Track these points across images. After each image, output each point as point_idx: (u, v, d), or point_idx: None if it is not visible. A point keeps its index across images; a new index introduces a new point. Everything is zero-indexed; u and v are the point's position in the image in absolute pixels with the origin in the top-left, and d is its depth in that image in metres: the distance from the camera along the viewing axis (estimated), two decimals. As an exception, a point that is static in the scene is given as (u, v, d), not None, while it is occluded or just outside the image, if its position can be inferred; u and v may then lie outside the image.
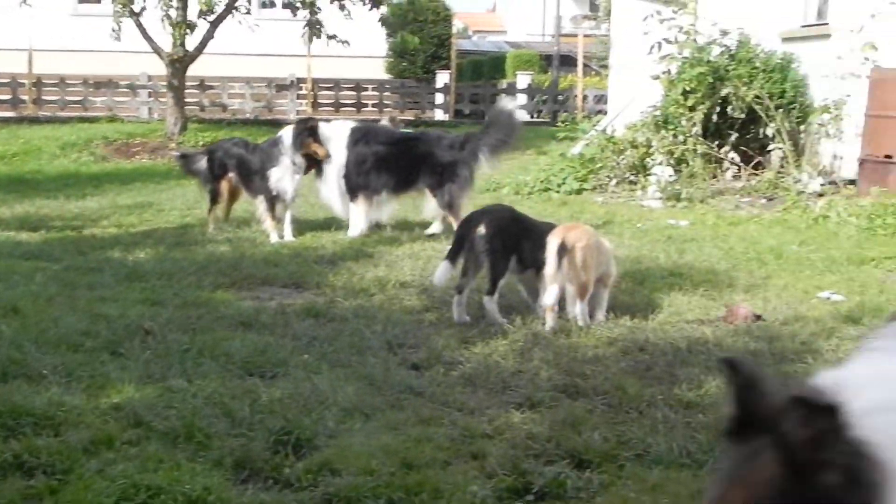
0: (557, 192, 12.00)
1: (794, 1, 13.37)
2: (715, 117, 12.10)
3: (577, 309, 5.86)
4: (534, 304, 6.12)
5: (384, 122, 13.62)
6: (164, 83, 19.00)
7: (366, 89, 25.71)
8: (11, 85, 23.42)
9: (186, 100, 19.47)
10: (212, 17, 17.70)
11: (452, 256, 6.16)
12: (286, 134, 9.13)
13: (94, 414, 4.21)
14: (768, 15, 13.04)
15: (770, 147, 11.97)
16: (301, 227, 9.44)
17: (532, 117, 26.10)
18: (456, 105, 25.53)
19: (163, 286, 6.77)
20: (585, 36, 27.05)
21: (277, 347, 5.25)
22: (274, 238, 8.82)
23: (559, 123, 15.99)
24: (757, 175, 11.90)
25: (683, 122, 12.05)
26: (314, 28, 17.99)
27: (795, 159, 11.60)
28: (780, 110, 11.84)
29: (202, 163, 9.38)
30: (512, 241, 6.02)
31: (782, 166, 11.75)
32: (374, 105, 25.24)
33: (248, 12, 18.39)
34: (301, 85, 24.77)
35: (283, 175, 9.01)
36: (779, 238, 8.92)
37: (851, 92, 11.04)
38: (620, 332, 5.71)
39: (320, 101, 25.12)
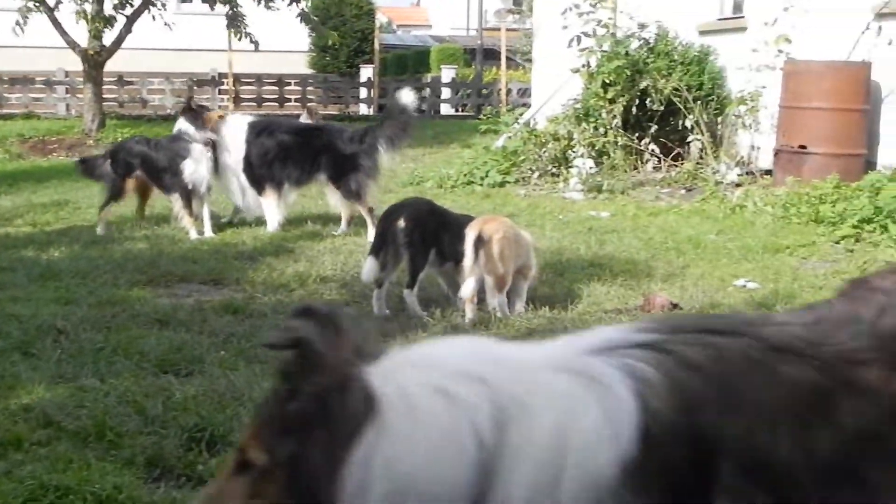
0: (481, 185, 12.02)
1: (711, -6, 13.58)
2: (635, 110, 12.23)
3: (495, 301, 5.88)
4: (454, 297, 6.13)
5: (304, 116, 13.56)
6: (82, 79, 18.65)
7: (288, 84, 25.53)
8: (-78, 82, 22.86)
9: (104, 96, 19.16)
10: (128, 12, 17.40)
11: (376, 251, 6.13)
12: (184, 124, 9.00)
13: (2, 415, 4.11)
14: (686, 8, 13.22)
15: (689, 138, 12.12)
16: (220, 223, 9.34)
17: (457, 111, 26.18)
18: (380, 99, 25.46)
19: (77, 285, 6.64)
20: (509, 30, 27.13)
21: (194, 344, 5.17)
22: (193, 235, 8.70)
23: (482, 117, 16.03)
24: (676, 166, 12.06)
25: (604, 115, 12.16)
26: (235, 23, 17.77)
27: (714, 150, 11.78)
28: (699, 102, 12.01)
29: (105, 166, 9.12)
30: (431, 234, 6.02)
31: (701, 157, 11.92)
32: (296, 100, 25.07)
33: (164, 7, 18.06)
34: (223, 80, 24.50)
35: (198, 166, 8.90)
36: (697, 228, 9.04)
37: (767, 84, 11.23)
38: (539, 323, 5.73)
39: (242, 96, 24.88)
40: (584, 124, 12.31)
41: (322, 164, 9.17)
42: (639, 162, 12.36)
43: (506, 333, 5.52)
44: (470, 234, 5.81)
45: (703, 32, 13.44)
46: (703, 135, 11.81)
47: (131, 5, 17.44)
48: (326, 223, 9.31)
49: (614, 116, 12.10)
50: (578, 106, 12.71)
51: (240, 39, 18.12)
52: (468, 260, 5.78)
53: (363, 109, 25.40)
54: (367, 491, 1.60)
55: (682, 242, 8.27)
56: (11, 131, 18.11)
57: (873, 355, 1.78)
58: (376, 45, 27.36)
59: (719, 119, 12.25)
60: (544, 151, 12.43)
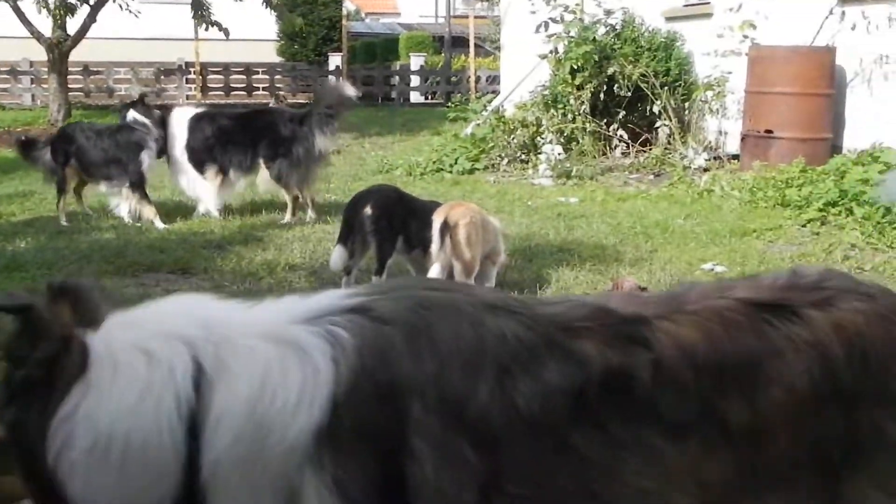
0: (450, 172, 12.02)
1: (677, -20, 13.62)
2: (602, 96, 12.25)
3: (464, 286, 5.89)
4: (423, 283, 6.12)
5: (272, 103, 13.51)
6: (46, 69, 18.48)
7: (256, 73, 25.40)
8: None
9: (70, 85, 18.99)
10: (93, 1, 17.24)
11: (344, 239, 6.13)
12: (137, 115, 8.96)
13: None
14: (652, -6, 13.26)
15: (657, 124, 12.16)
16: (188, 211, 9.30)
17: (426, 99, 26.14)
18: (349, 88, 25.36)
19: (44, 275, 6.57)
20: (477, 17, 27.09)
21: (161, 333, 5.13)
22: (159, 224, 8.65)
23: (451, 105, 16.02)
24: (645, 152, 12.11)
25: (572, 101, 12.18)
26: (200, 12, 17.65)
27: (681, 135, 11.84)
28: (666, 88, 12.06)
29: (46, 154, 8.97)
30: (398, 221, 6.02)
31: (669, 143, 11.97)
32: (265, 89, 24.94)
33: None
34: (190, 69, 24.34)
35: (152, 159, 8.91)
36: (665, 212, 9.09)
37: (733, 69, 11.30)
38: (508, 308, 5.73)
39: (210, 85, 24.73)
40: (552, 111, 12.33)
41: (261, 147, 9.20)
42: (607, 148, 12.39)
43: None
44: (437, 220, 5.82)
45: (669, 18, 13.49)
46: (670, 120, 11.87)
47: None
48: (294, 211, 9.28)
49: (582, 103, 12.12)
50: (547, 92, 12.72)
51: (206, 29, 18.02)
52: (435, 246, 5.80)
53: (332, 98, 25.30)
54: (72, 444, 1.68)
55: (651, 227, 8.32)
56: (-24, 122, 17.92)
57: (589, 325, 1.86)
58: (344, 34, 27.25)
59: (686, 105, 12.30)
60: (513, 138, 12.44)
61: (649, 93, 11.90)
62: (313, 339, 1.74)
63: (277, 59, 28.74)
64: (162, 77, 24.31)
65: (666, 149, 11.90)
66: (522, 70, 14.17)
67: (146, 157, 8.85)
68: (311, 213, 9.06)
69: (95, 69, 23.50)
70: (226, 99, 23.74)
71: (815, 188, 8.98)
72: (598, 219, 8.80)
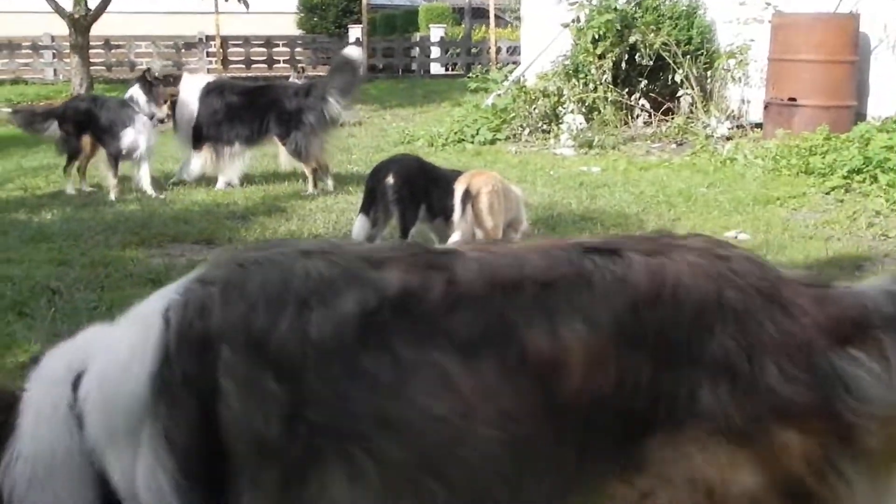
0: (471, 143, 12.01)
1: (700, -53, 13.48)
2: (624, 65, 12.19)
3: (487, 255, 5.89)
4: (446, 252, 6.14)
5: (293, 77, 13.53)
6: (68, 43, 18.53)
7: (277, 45, 25.37)
8: None
9: (92, 60, 19.02)
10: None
11: (366, 209, 6.16)
12: (136, 93, 9.02)
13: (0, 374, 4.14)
14: (674, -38, 13.14)
15: (679, 93, 12.11)
16: (210, 182, 9.35)
17: (446, 70, 26.07)
18: (369, 60, 25.33)
19: (70, 246, 6.66)
20: (497, -12, 26.95)
21: (188, 302, 5.18)
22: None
23: (471, 76, 15.98)
24: (667, 121, 12.05)
25: (593, 71, 12.13)
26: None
27: (704, 104, 11.78)
28: (688, 57, 11.98)
29: (54, 126, 9.08)
30: (420, 190, 6.04)
31: (691, 111, 11.91)
32: (285, 61, 24.92)
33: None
34: (210, 43, 24.35)
35: (137, 136, 8.91)
36: (688, 181, 9.06)
37: (755, 37, 11.21)
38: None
39: (230, 58, 24.73)
40: (573, 80, 12.28)
41: (271, 123, 9.29)
42: (629, 117, 12.34)
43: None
44: (458, 189, 5.84)
45: (691, -14, 13.37)
46: (692, 89, 11.81)
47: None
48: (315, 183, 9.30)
49: (604, 72, 12.07)
50: (568, 62, 12.66)
51: (226, 1, 18.01)
52: (457, 214, 5.81)
53: (352, 70, 25.25)
54: (15, 481, 1.96)
55: (673, 196, 8.30)
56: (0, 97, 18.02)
57: (394, 255, 1.93)
58: (364, 5, 27.15)
59: (709, 73, 12.22)
60: (534, 108, 12.40)
61: (671, 61, 11.83)
62: (156, 306, 1.95)
63: (297, 32, 28.69)
64: (182, 50, 24.32)
65: (688, 118, 11.85)
66: (543, 40, 14.09)
67: (128, 135, 8.90)
68: (330, 182, 9.10)
69: (117, 43, 23.55)
70: (246, 72, 23.74)
71: (839, 156, 8.92)
72: (620, 188, 8.78)
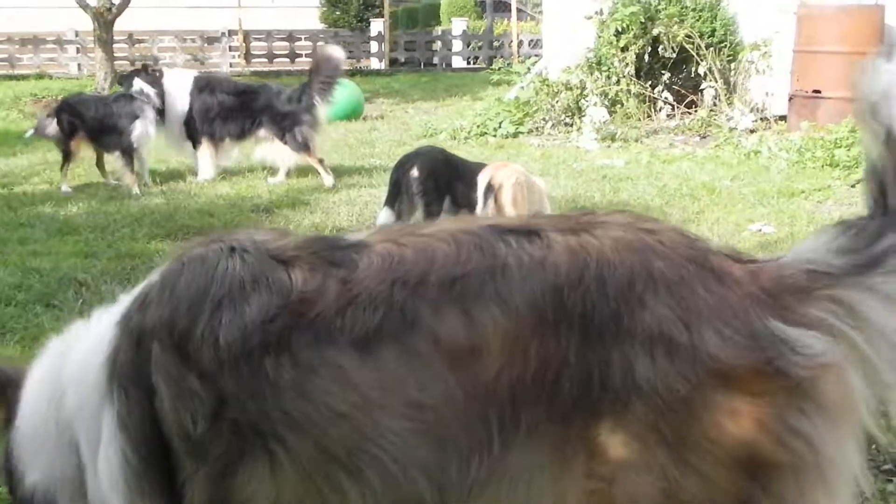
0: (494, 136, 12.01)
1: (724, -61, 13.41)
2: (647, 57, 12.16)
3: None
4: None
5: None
6: (93, 38, 18.63)
7: (299, 39, 25.39)
8: (-66, 44, 22.83)
9: (116, 54, 19.11)
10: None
11: (391, 201, 6.18)
12: (143, 85, 9.13)
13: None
14: (698, -46, 13.08)
15: (702, 86, 12.05)
16: (234, 174, 9.40)
17: (468, 63, 26.03)
18: (391, 53, 25.35)
19: (96, 239, 6.71)
20: (519, -19, 26.91)
21: (213, 294, 5.21)
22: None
23: (493, 69, 15.96)
24: (690, 114, 12.01)
25: (616, 63, 12.10)
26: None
27: (727, 97, 11.73)
28: (711, 49, 11.94)
29: (53, 125, 9.11)
30: (445, 182, 6.05)
31: (715, 104, 11.87)
32: (307, 55, 24.92)
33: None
34: (233, 37, 24.41)
35: (147, 127, 9.01)
36: (712, 174, 9.03)
37: (780, 29, 11.15)
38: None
39: (253, 52, 24.78)
40: (596, 73, 12.25)
41: (263, 123, 9.44)
42: (652, 110, 12.31)
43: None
44: (482, 181, 5.85)
45: (715, -22, 13.31)
46: (716, 81, 11.76)
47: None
48: (340, 175, 9.32)
49: (627, 65, 12.04)
50: (591, 55, 12.63)
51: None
52: (480, 206, 5.83)
53: (374, 64, 25.27)
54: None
55: (697, 189, 8.27)
56: (24, 91, 18.09)
57: (299, 253, 1.97)
58: (386, -1, 27.19)
59: (732, 65, 12.16)
60: (557, 101, 12.38)
61: (694, 54, 11.79)
62: (121, 304, 2.11)
63: (320, 26, 28.72)
64: (205, 45, 24.39)
65: (711, 110, 11.80)
66: (565, 33, 14.06)
67: (138, 126, 8.96)
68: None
69: (140, 38, 23.64)
70: (269, 66, 23.79)
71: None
72: (643, 181, 8.76)
